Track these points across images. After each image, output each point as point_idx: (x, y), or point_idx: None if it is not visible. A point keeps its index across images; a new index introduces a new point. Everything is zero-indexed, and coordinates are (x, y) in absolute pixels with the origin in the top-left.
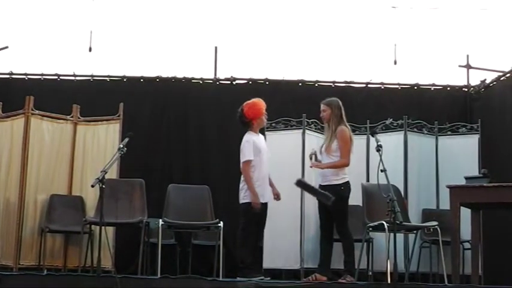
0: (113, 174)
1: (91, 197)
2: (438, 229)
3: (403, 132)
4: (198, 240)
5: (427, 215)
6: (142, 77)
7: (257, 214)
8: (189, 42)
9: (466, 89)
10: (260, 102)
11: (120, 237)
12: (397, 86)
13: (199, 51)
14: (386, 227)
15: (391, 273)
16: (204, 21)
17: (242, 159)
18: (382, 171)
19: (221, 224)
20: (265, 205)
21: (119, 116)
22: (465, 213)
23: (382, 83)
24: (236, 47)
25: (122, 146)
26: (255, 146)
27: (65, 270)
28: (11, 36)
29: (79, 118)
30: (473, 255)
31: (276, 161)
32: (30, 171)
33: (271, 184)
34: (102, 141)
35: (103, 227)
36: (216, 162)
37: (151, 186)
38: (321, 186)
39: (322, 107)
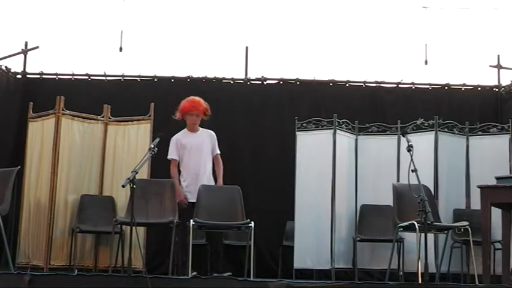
0: (143, 174)
1: (122, 197)
2: (469, 229)
3: (433, 132)
4: (229, 240)
5: (457, 215)
6: (173, 77)
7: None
8: (220, 42)
9: (496, 89)
10: (186, 101)
11: (151, 238)
12: (427, 86)
13: (230, 51)
14: (417, 227)
15: (421, 273)
16: (235, 21)
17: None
18: (413, 171)
19: (252, 224)
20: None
21: (149, 116)
22: (496, 213)
23: (412, 83)
24: (267, 47)
25: (152, 146)
26: (180, 144)
27: (95, 270)
28: (42, 36)
29: (110, 118)
30: (504, 256)
31: (306, 161)
32: (60, 172)
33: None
34: (133, 142)
35: (134, 227)
36: (247, 162)
37: None
38: None
39: None
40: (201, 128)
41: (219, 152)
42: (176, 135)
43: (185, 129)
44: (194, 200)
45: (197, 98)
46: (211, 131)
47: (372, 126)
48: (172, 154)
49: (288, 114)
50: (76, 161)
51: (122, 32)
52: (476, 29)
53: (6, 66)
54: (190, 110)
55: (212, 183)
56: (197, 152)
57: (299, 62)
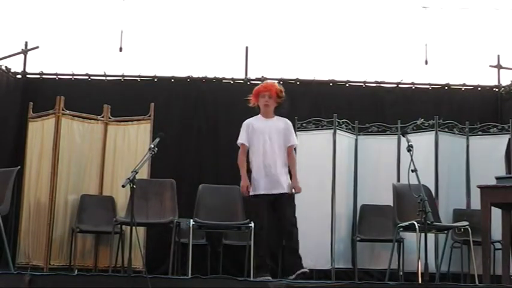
0: (143, 174)
1: (122, 197)
2: (469, 229)
3: (434, 132)
4: (229, 240)
5: (457, 215)
6: (173, 77)
7: (254, 207)
8: (220, 42)
9: (496, 89)
10: (260, 85)
11: (151, 238)
12: (428, 86)
13: (230, 51)
14: (417, 227)
15: (421, 273)
16: (234, 21)
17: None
18: (413, 171)
19: (252, 224)
20: (259, 197)
21: (149, 116)
22: (496, 213)
23: (413, 83)
24: (267, 47)
25: (152, 146)
26: (251, 128)
27: (95, 270)
28: (42, 36)
29: (110, 118)
30: (504, 256)
31: (306, 160)
32: (60, 172)
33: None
34: (133, 142)
35: (134, 227)
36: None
37: (182, 186)
38: None
39: None
40: (276, 116)
41: (294, 143)
42: (249, 119)
43: (259, 115)
44: (257, 192)
45: (271, 81)
46: (288, 120)
47: (372, 126)
48: (241, 138)
49: (288, 114)
50: (76, 161)
51: (122, 32)
52: (476, 29)
53: (6, 66)
54: (262, 91)
55: (286, 178)
56: (269, 139)
57: (299, 62)
